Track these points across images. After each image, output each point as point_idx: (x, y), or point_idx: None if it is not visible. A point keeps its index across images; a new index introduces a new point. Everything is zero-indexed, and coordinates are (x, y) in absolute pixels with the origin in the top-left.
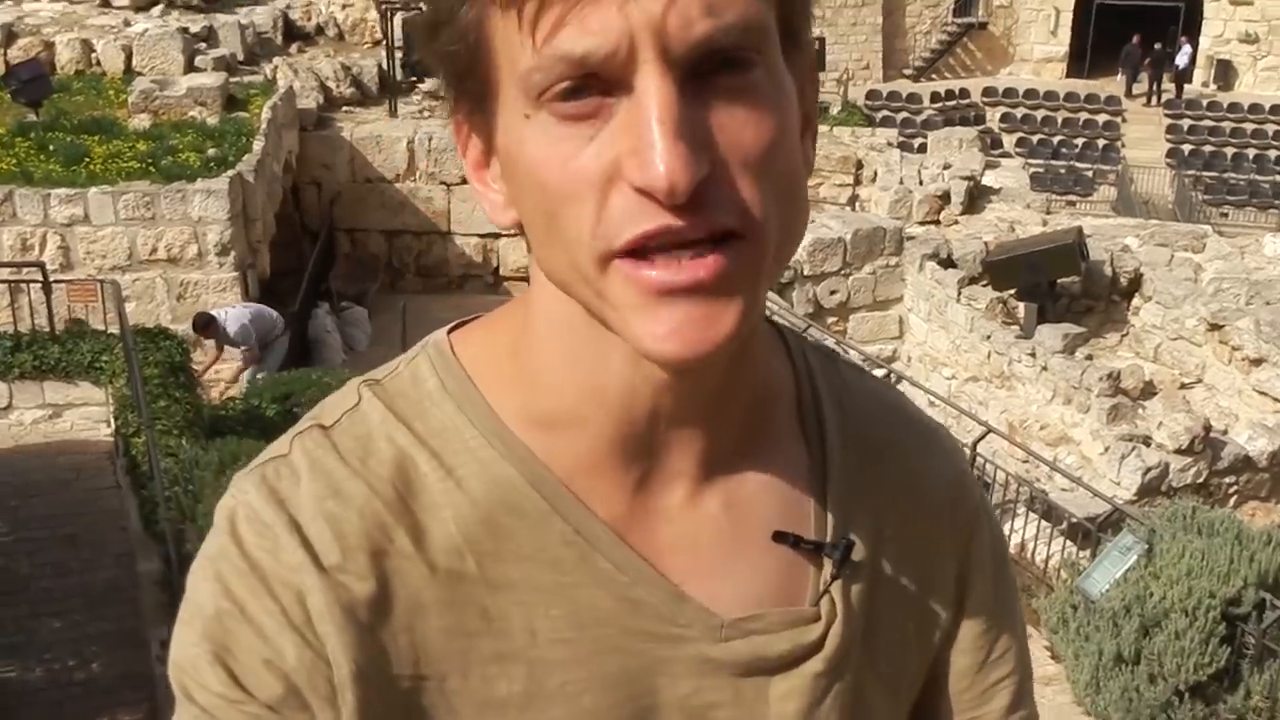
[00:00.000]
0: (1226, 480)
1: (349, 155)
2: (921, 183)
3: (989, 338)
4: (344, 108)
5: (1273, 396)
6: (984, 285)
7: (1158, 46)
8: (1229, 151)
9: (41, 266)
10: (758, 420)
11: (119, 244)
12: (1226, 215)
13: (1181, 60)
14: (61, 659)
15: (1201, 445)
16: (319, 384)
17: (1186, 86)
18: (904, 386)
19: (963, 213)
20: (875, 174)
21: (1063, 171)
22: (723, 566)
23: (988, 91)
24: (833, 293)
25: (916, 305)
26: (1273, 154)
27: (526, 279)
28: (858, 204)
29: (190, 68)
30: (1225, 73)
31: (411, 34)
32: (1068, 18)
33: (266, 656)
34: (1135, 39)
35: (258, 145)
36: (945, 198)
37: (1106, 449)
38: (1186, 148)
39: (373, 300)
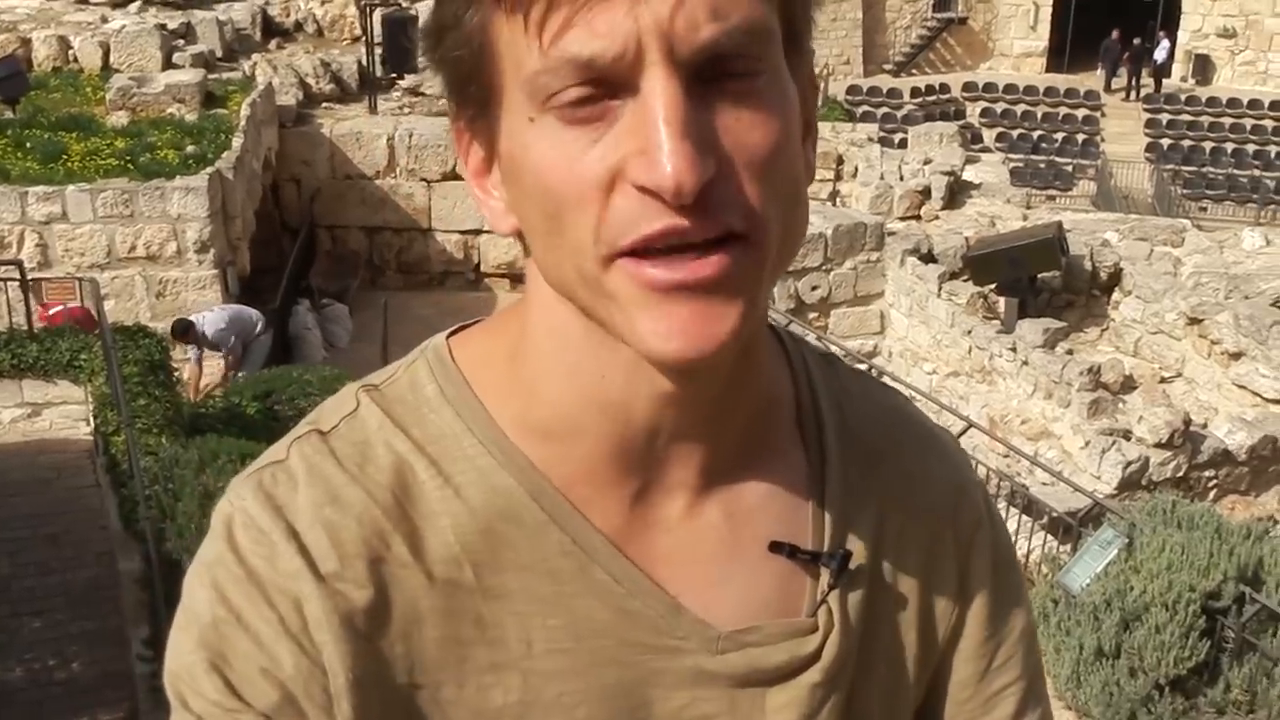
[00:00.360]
0: (1206, 474)
1: (329, 152)
2: (902, 178)
3: (970, 333)
4: (323, 104)
5: (1252, 390)
6: (965, 280)
7: (1137, 41)
8: (1207, 146)
9: (19, 265)
10: (759, 429)
11: (97, 242)
12: (1205, 209)
13: (1160, 55)
14: (42, 658)
15: (1181, 439)
16: (300, 382)
17: (1165, 81)
18: (885, 381)
19: (943, 208)
20: (856, 169)
21: (1043, 166)
22: (721, 578)
23: (968, 86)
24: (814, 288)
25: (897, 300)
26: (1250, 148)
27: (508, 275)
28: (839, 199)
29: (168, 64)
30: (1203, 67)
31: (391, 30)
32: (1047, 12)
33: (263, 665)
34: (1114, 34)
35: (237, 142)
36: (926, 193)
37: (1087, 443)
38: (1165, 142)
39: (354, 297)
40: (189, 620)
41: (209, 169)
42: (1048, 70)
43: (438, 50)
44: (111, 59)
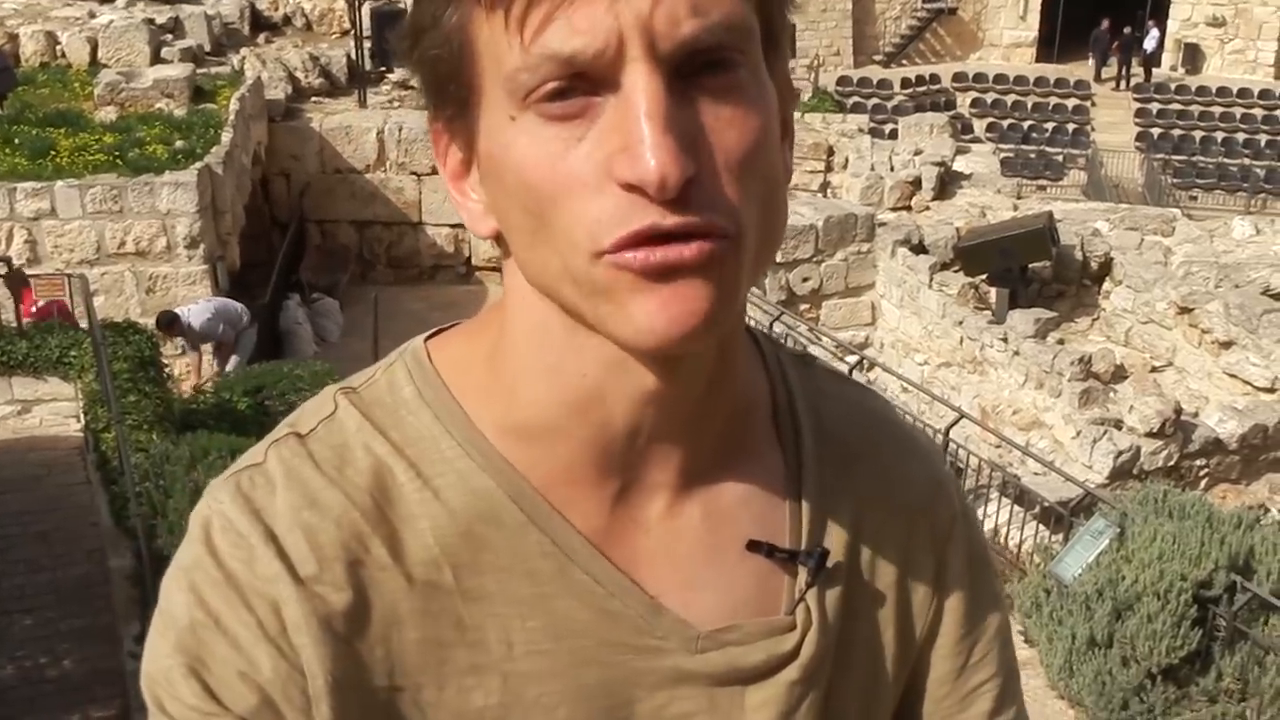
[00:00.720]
0: (1197, 463)
1: (318, 146)
2: (893, 169)
3: (961, 323)
4: (313, 98)
5: (1242, 379)
6: (956, 271)
7: (1126, 30)
8: (1197, 135)
9: (8, 261)
10: (737, 431)
11: (86, 237)
12: (1195, 198)
13: (1150, 44)
14: (33, 656)
15: (1172, 428)
16: (290, 377)
17: (1155, 70)
18: (877, 373)
19: (934, 198)
20: (846, 160)
21: (1033, 156)
22: (700, 577)
23: (958, 77)
24: (805, 279)
25: (889, 291)
26: (1240, 137)
27: (498, 269)
28: (829, 190)
29: (156, 59)
30: (1193, 56)
31: (380, 23)
32: (1036, 2)
33: (241, 668)
34: (1104, 23)
35: (226, 137)
36: (916, 183)
37: (1078, 433)
38: (1155, 131)
39: (344, 291)
40: (166, 624)
41: (198, 164)
42: (1038, 60)
43: (415, 51)
44: (99, 54)
